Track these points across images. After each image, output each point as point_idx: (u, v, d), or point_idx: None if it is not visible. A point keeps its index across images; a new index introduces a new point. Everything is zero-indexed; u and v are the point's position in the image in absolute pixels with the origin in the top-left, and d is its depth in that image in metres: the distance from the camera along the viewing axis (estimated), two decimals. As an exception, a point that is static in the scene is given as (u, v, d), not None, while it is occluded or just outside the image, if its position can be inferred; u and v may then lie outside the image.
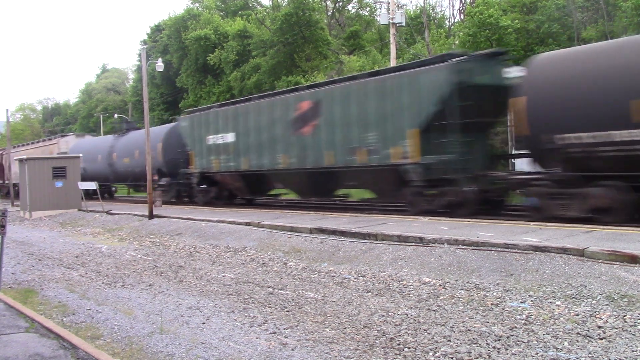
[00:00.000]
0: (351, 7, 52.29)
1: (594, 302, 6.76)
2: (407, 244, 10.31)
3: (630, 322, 6.05)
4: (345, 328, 6.45)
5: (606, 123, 10.45)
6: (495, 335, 5.92)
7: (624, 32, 22.56)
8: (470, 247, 9.39)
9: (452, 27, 42.01)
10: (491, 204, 13.82)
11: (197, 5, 56.92)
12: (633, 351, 5.29)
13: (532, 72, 11.98)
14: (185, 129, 22.47)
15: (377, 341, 5.93)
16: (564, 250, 8.44)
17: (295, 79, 36.14)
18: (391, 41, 24.65)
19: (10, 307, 7.79)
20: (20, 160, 25.62)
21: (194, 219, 16.48)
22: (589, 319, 6.25)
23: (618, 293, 6.90)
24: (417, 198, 14.07)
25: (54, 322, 7.02)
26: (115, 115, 53.93)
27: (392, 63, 23.66)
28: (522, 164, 14.88)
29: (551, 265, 8.04)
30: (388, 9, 25.43)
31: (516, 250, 8.83)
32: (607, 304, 6.64)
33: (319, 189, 17.73)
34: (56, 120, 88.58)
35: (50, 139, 38.15)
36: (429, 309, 7.10)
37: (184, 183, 22.85)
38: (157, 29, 58.81)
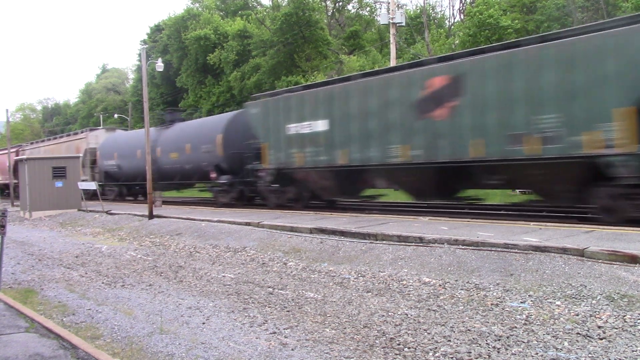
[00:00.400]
0: (351, 7, 52.35)
1: (594, 302, 6.76)
2: (407, 244, 10.31)
3: (630, 322, 6.05)
4: (345, 328, 6.45)
5: None
6: (495, 335, 5.92)
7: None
8: (470, 247, 9.40)
9: (452, 27, 41.99)
10: None
11: (197, 5, 56.97)
12: (633, 351, 5.29)
13: None
14: (255, 117, 18.62)
15: (377, 341, 5.93)
16: (564, 250, 8.44)
17: (295, 79, 36.15)
18: (391, 41, 24.65)
19: (10, 307, 7.79)
20: (20, 160, 25.62)
21: (194, 219, 16.49)
22: (589, 319, 6.25)
23: (618, 293, 6.90)
24: (623, 202, 10.84)
25: (54, 322, 7.02)
26: (115, 115, 53.94)
27: (392, 63, 23.65)
28: None
29: (551, 265, 8.04)
30: (388, 9, 25.43)
31: (516, 250, 8.83)
32: (607, 304, 6.64)
33: (446, 187, 14.43)
34: (56, 120, 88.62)
35: (76, 133, 34.80)
36: (429, 309, 7.10)
37: (249, 182, 19.51)
38: (157, 29, 58.87)
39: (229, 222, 15.17)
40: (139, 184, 26.32)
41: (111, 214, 21.18)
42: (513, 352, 5.43)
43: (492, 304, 7.10)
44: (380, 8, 47.33)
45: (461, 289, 7.88)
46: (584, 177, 11.29)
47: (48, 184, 23.91)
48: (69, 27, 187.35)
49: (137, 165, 25.64)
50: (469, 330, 6.15)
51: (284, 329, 6.51)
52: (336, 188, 16.73)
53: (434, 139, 13.29)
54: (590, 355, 5.25)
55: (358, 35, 45.92)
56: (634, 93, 10.26)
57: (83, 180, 27.86)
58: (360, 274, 9.28)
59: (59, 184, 24.02)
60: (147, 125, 20.07)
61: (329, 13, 50.02)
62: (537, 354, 5.35)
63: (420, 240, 10.31)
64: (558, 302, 6.89)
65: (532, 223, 11.25)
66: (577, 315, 6.41)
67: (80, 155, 28.13)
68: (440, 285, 8.21)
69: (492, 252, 8.95)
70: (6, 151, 40.60)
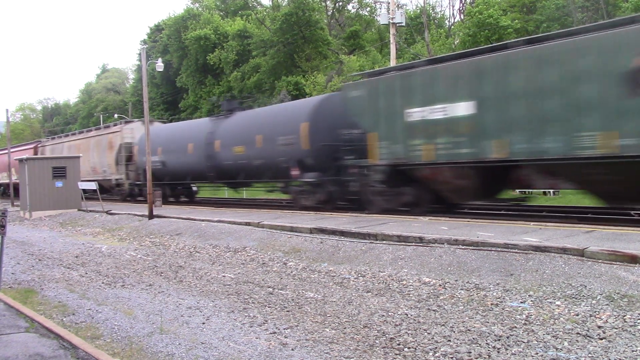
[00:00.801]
0: (351, 7, 52.38)
1: (594, 302, 6.76)
2: (407, 244, 10.31)
3: (630, 322, 6.05)
4: (345, 328, 6.45)
5: None
6: (495, 335, 5.92)
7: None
8: (470, 247, 9.40)
9: (452, 27, 42.01)
10: None
11: (197, 5, 57.02)
12: (633, 351, 5.29)
13: None
14: (357, 101, 15.21)
15: (377, 341, 5.93)
16: (564, 250, 8.44)
17: (295, 79, 36.17)
18: (391, 41, 24.65)
19: (10, 307, 7.79)
20: (20, 160, 25.62)
21: (194, 219, 16.49)
22: (589, 319, 6.25)
23: (618, 293, 6.90)
24: None
25: (54, 322, 7.02)
26: (115, 115, 53.94)
27: (392, 63, 23.67)
28: None
29: (551, 265, 8.04)
30: (388, 9, 25.44)
31: (516, 250, 8.83)
32: (607, 304, 6.64)
33: None
34: (56, 120, 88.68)
35: (107, 127, 31.10)
36: (428, 309, 7.10)
37: (342, 181, 16.19)
38: (157, 29, 58.93)
39: (229, 222, 15.17)
40: (181, 184, 23.96)
41: (111, 214, 21.18)
42: (513, 352, 5.43)
43: (492, 304, 7.10)
44: (380, 8, 47.37)
45: (461, 289, 7.89)
46: None
47: (48, 184, 23.92)
48: (69, 27, 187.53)
49: (187, 162, 22.47)
50: (469, 330, 6.15)
51: (284, 329, 6.51)
52: (476, 189, 13.39)
53: None
54: (590, 355, 5.25)
55: (358, 35, 45.95)
56: None
57: (117, 180, 25.91)
58: (360, 274, 9.28)
59: (59, 184, 24.04)
60: (147, 125, 20.07)
61: (329, 13, 50.04)
62: (537, 354, 5.35)
63: (420, 240, 10.31)
64: (558, 302, 6.89)
65: (532, 223, 11.25)
66: (577, 315, 6.41)
67: (81, 155, 27.93)
68: (440, 285, 8.21)
69: (492, 252, 8.95)
70: (16, 149, 39.19)
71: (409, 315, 6.82)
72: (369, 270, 9.45)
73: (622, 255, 7.92)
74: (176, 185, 24.64)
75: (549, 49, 11.40)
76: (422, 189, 14.13)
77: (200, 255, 12.33)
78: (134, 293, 8.81)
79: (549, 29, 25.94)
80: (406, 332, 6.17)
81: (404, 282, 8.55)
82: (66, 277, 10.46)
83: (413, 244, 10.24)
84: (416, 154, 13.65)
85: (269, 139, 18.17)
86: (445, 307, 7.14)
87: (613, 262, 7.85)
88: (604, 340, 5.62)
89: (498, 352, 5.46)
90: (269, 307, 7.57)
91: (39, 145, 37.34)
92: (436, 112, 13.16)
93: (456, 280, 8.29)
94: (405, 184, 14.30)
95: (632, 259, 7.78)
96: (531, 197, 17.69)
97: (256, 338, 6.19)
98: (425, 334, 6.09)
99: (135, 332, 6.54)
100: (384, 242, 10.75)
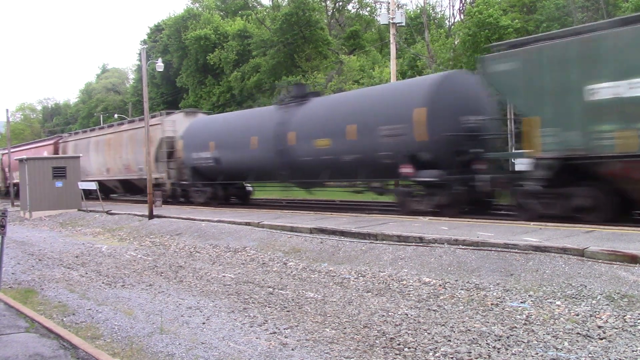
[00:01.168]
0: (351, 7, 52.38)
1: (594, 302, 6.77)
2: (407, 244, 10.32)
3: (630, 322, 6.05)
4: (345, 328, 6.45)
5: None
6: (495, 335, 5.92)
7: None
8: (470, 247, 9.40)
9: (452, 27, 41.97)
10: None
11: (197, 5, 57.03)
12: (633, 351, 5.29)
13: None
14: (506, 77, 12.06)
15: (377, 341, 5.94)
16: (564, 250, 8.44)
17: (295, 79, 36.18)
18: (391, 41, 24.64)
19: (10, 307, 7.79)
20: (20, 160, 25.62)
21: (194, 219, 16.48)
22: (589, 319, 6.25)
23: (618, 293, 6.90)
24: None
25: (54, 322, 7.02)
26: (115, 115, 53.95)
27: (392, 63, 23.68)
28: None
29: (551, 265, 8.04)
30: (388, 9, 25.43)
31: (516, 250, 8.83)
32: (607, 304, 6.64)
33: None
34: (56, 120, 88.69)
35: (142, 119, 23.45)
36: (429, 309, 7.10)
37: (469, 180, 13.36)
38: (157, 29, 58.92)
39: (229, 222, 15.16)
40: (233, 183, 20.99)
41: (111, 214, 21.18)
42: (513, 352, 5.43)
43: (492, 304, 7.10)
44: (380, 8, 47.34)
45: (461, 289, 7.89)
46: None
47: (48, 184, 23.92)
48: (69, 27, 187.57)
49: (250, 158, 18.94)
50: (469, 330, 6.15)
51: (284, 329, 6.51)
52: None
53: None
54: (590, 355, 5.25)
55: (358, 35, 45.96)
56: None
57: (156, 179, 22.54)
58: (360, 274, 9.28)
59: (59, 184, 24.03)
60: (147, 125, 20.06)
61: (329, 13, 50.04)
62: (537, 354, 5.35)
63: (420, 240, 10.31)
64: (558, 302, 6.89)
65: (532, 223, 11.25)
66: (577, 315, 6.41)
67: (80, 155, 27.82)
68: (440, 285, 8.21)
69: (492, 252, 8.96)
70: (34, 145, 37.77)
71: (409, 315, 6.83)
72: (369, 270, 9.45)
73: (622, 255, 7.92)
74: (228, 186, 21.58)
75: None
76: (604, 190, 11.13)
77: (200, 255, 12.33)
78: (134, 293, 8.81)
79: (548, 28, 25.92)
80: (406, 332, 6.17)
81: (404, 282, 8.55)
82: (66, 277, 10.46)
83: (413, 244, 10.25)
84: (604, 143, 10.58)
85: (367, 130, 14.92)
86: (446, 307, 7.14)
87: (613, 262, 7.85)
88: (604, 340, 5.62)
89: (498, 352, 5.46)
90: (269, 307, 7.57)
91: (60, 142, 34.09)
92: (639, 86, 10.18)
93: (456, 280, 8.29)
94: (576, 184, 11.44)
95: (632, 259, 7.78)
96: None
97: (256, 338, 6.19)
98: (426, 334, 6.09)
99: (136, 332, 6.54)
100: (384, 242, 10.75)
